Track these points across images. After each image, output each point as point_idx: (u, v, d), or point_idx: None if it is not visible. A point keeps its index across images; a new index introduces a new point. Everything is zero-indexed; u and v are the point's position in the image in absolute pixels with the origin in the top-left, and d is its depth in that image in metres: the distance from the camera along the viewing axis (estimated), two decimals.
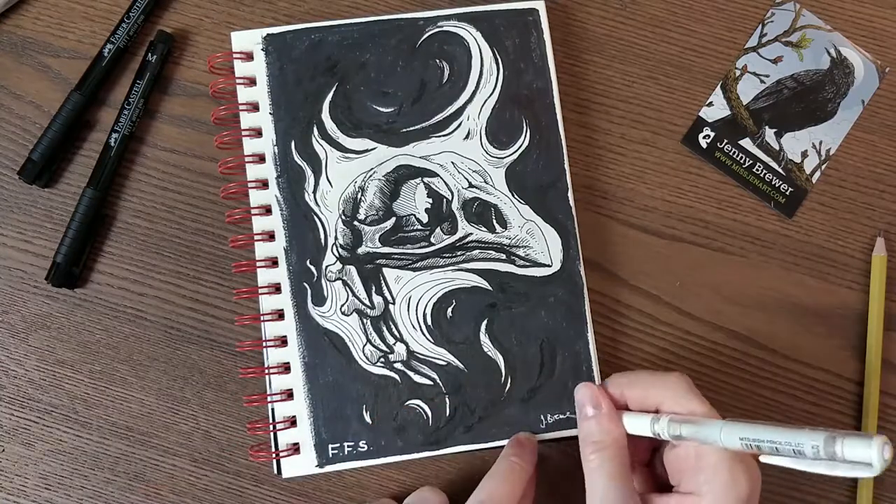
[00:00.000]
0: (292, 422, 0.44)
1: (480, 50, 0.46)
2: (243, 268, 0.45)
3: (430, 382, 0.44)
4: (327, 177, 0.45)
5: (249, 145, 0.45)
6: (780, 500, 0.47)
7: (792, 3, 0.49)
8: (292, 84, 0.46)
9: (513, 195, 0.46)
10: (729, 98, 0.49)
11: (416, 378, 0.44)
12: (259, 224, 0.45)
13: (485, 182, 0.46)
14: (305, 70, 0.46)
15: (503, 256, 0.45)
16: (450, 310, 0.45)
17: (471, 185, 0.46)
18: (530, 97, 0.46)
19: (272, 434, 0.44)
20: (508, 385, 0.45)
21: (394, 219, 0.45)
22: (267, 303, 0.45)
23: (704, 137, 0.48)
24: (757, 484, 0.35)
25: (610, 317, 0.47)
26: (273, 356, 0.44)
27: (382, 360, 0.45)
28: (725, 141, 0.48)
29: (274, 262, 0.45)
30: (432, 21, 0.46)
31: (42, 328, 0.46)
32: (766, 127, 0.49)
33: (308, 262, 0.45)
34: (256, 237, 0.45)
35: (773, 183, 0.48)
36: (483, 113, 0.46)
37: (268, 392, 0.44)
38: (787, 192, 0.48)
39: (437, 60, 0.46)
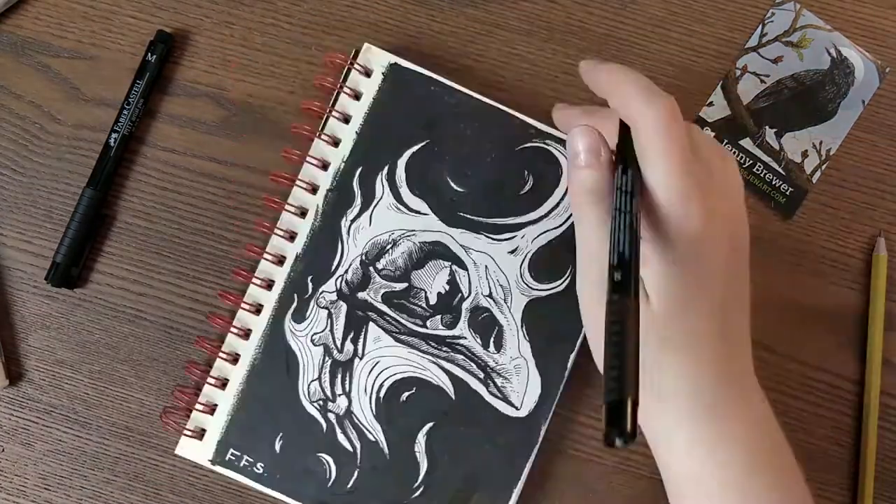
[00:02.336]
0: (212, 409, 0.44)
1: None
2: (254, 252, 0.45)
3: (350, 449, 0.44)
4: (371, 215, 0.45)
5: (320, 148, 0.45)
6: None
7: (792, 3, 0.49)
8: (391, 119, 0.45)
9: (522, 327, 0.45)
10: (729, 98, 0.49)
11: (341, 437, 0.44)
12: (287, 220, 0.45)
13: (504, 300, 0.45)
14: (409, 113, 0.45)
15: (481, 375, 0.45)
16: (406, 394, 0.44)
17: (489, 296, 0.45)
18: None
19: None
20: (417, 494, 0.44)
21: (406, 285, 0.45)
22: (253, 292, 0.45)
23: None
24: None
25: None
26: (230, 342, 0.45)
27: (320, 402, 0.44)
28: (726, 141, 0.48)
29: (280, 261, 0.45)
30: (541, 135, 0.45)
31: (42, 328, 0.46)
32: (767, 127, 0.49)
33: (309, 278, 0.45)
34: (278, 231, 0.45)
35: (774, 183, 0.48)
36: (538, 241, 0.45)
37: (209, 371, 0.45)
38: (788, 192, 0.48)
39: (527, 172, 0.45)
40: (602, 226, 0.34)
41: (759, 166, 0.48)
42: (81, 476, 0.46)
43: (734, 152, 0.48)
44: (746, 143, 0.48)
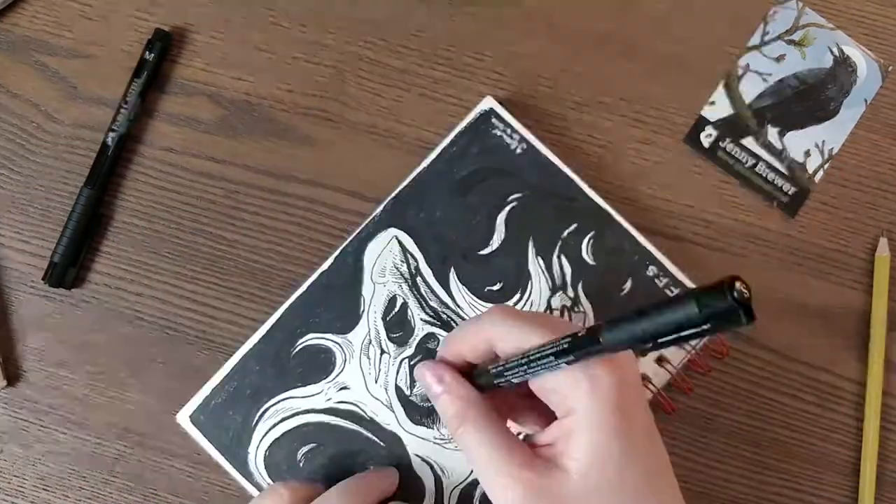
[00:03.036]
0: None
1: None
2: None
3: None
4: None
5: None
6: (780, 501, 0.47)
7: (794, 2, 0.49)
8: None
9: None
10: (731, 97, 0.48)
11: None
12: None
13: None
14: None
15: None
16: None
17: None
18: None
19: None
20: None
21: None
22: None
23: (707, 136, 0.48)
24: (622, 368, 0.32)
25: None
26: None
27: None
28: (728, 140, 0.48)
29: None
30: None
31: (39, 328, 0.46)
32: (769, 126, 0.48)
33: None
34: None
35: (776, 182, 0.48)
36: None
37: None
38: (790, 192, 0.48)
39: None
40: (481, 435, 0.34)
41: (762, 165, 0.48)
42: (80, 477, 0.45)
43: (736, 151, 0.48)
44: (749, 142, 0.48)
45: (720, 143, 0.48)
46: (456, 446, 0.43)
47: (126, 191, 0.47)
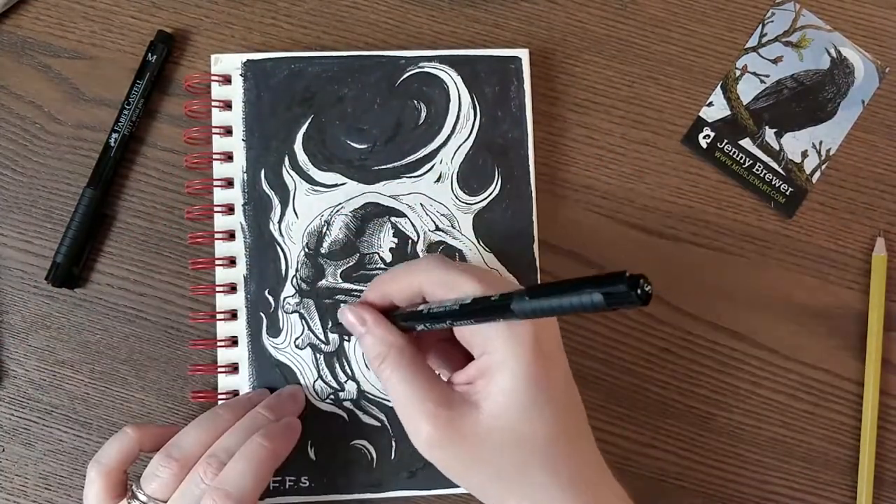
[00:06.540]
0: None
1: (459, 94, 0.46)
2: (201, 291, 0.45)
3: (378, 424, 0.44)
4: (294, 208, 0.45)
5: (219, 169, 0.45)
6: (779, 500, 0.47)
7: (792, 3, 0.49)
8: (268, 112, 0.45)
9: (478, 242, 0.46)
10: (729, 98, 0.49)
11: (365, 418, 0.44)
12: (221, 249, 0.45)
13: (452, 227, 0.45)
14: (282, 99, 0.46)
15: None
16: None
17: (437, 229, 0.45)
18: (505, 146, 0.46)
19: None
20: None
21: (357, 255, 0.45)
22: (222, 329, 0.45)
23: (704, 137, 0.48)
24: (539, 322, 0.34)
25: (610, 316, 0.47)
26: (223, 383, 0.44)
27: (332, 396, 0.44)
28: (725, 141, 0.48)
29: (232, 288, 0.45)
30: (414, 61, 0.46)
31: (42, 328, 0.46)
32: (767, 127, 0.49)
33: (266, 292, 0.45)
34: (217, 262, 0.45)
35: (773, 183, 0.48)
36: (456, 158, 0.46)
37: None
38: (787, 192, 0.48)
39: (415, 101, 0.46)
40: (400, 373, 0.35)
41: (759, 166, 0.48)
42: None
43: (734, 152, 0.48)
44: (746, 143, 0.48)
45: (718, 144, 0.48)
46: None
47: (128, 191, 0.47)
